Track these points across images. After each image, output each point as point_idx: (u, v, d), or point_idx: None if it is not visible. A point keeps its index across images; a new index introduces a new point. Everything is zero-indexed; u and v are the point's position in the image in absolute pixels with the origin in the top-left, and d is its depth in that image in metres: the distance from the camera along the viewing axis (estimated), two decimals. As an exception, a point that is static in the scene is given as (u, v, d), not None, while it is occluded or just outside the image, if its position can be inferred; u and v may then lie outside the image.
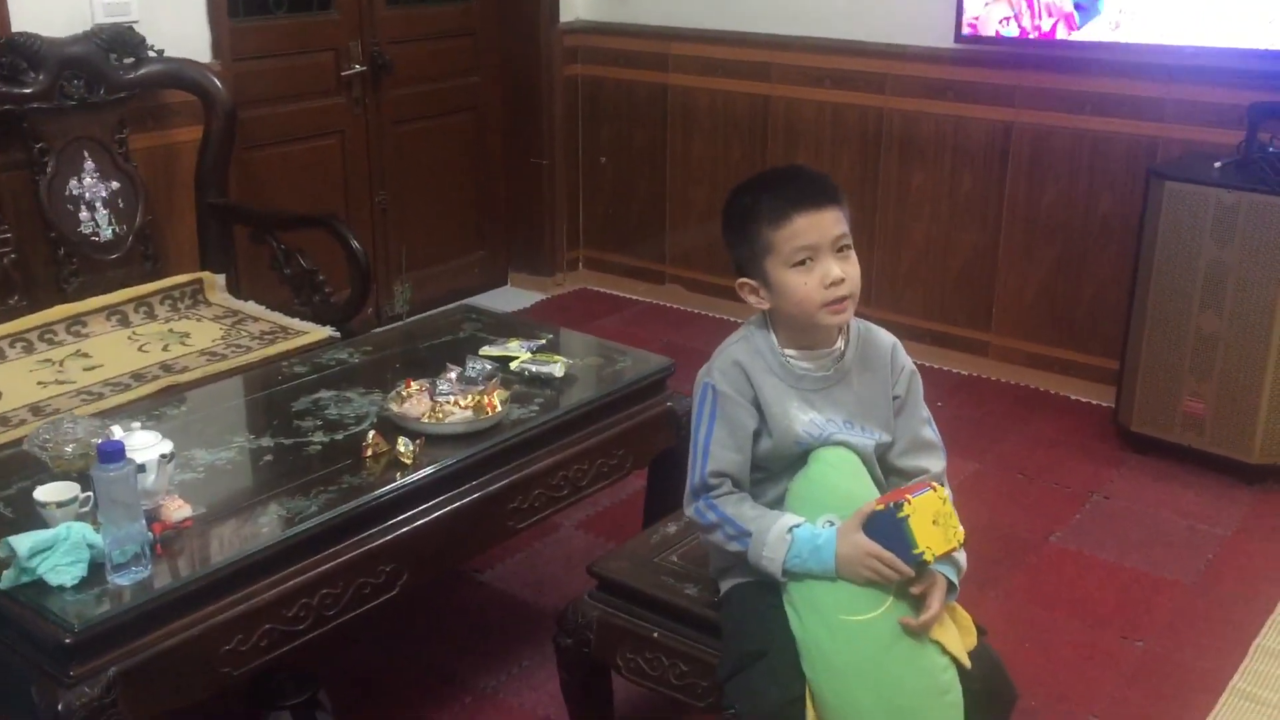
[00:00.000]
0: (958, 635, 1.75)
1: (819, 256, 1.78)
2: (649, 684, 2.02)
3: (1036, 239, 3.91)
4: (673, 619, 1.98)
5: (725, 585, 1.92)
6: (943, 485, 1.83)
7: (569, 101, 4.79)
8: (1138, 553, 3.00)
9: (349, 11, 4.12)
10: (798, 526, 1.77)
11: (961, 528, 1.74)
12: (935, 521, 1.70)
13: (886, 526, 1.70)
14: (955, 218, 4.05)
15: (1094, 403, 3.85)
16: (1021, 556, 2.99)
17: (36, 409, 2.61)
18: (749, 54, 4.34)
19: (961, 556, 1.80)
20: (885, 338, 1.94)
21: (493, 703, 2.43)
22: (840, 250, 1.79)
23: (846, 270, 1.79)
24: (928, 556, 1.69)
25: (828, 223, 1.78)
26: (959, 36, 3.79)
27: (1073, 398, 3.91)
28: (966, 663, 1.73)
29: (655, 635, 1.99)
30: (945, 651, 1.72)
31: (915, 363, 1.97)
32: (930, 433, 1.94)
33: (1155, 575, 2.91)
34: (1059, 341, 3.94)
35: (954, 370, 4.12)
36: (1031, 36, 3.66)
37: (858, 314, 1.89)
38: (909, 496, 1.72)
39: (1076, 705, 2.44)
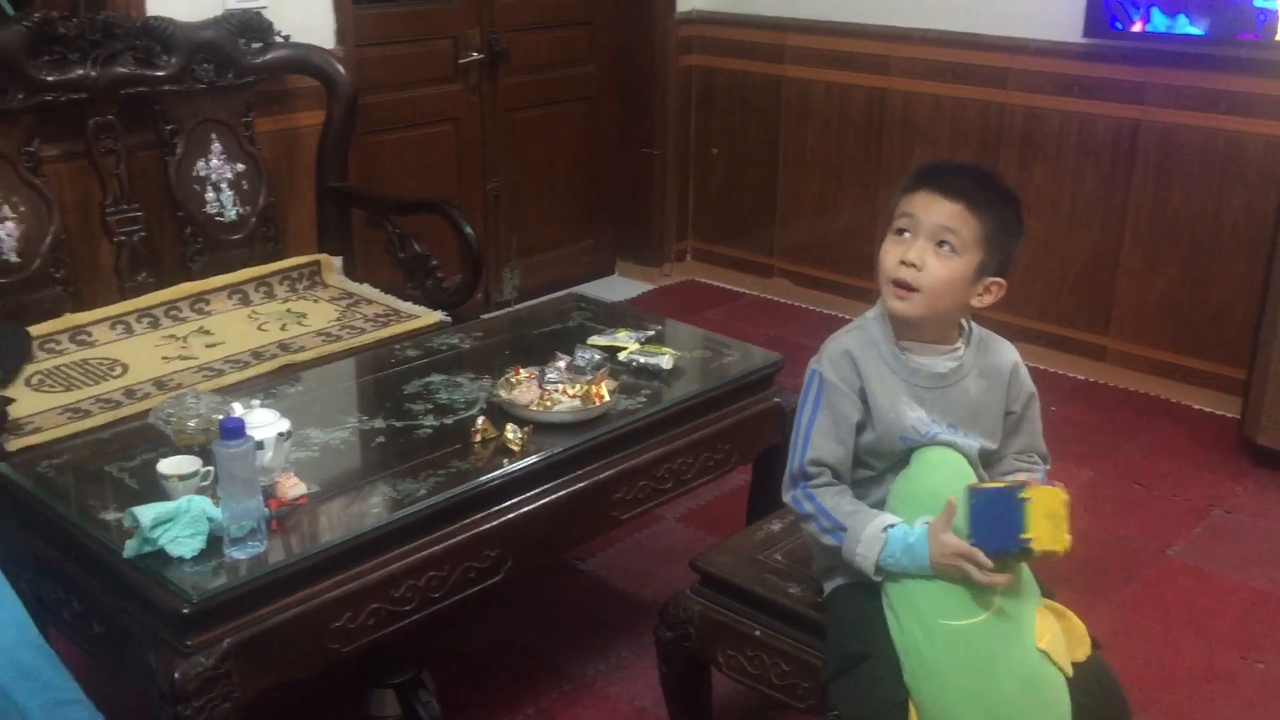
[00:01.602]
0: (1065, 644, 1.70)
1: (915, 235, 1.75)
2: (749, 682, 2.00)
3: (1162, 241, 3.77)
4: (775, 617, 1.96)
5: (829, 586, 1.89)
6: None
7: (683, 92, 4.77)
8: (1260, 570, 2.88)
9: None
10: (893, 526, 1.74)
11: (1070, 538, 1.67)
12: (1049, 517, 1.64)
13: (1001, 505, 1.65)
14: (1076, 217, 3.93)
15: (1218, 413, 3.71)
16: (1136, 570, 2.90)
17: (160, 383, 2.70)
18: (867, 46, 4.27)
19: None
20: (1008, 352, 1.89)
21: (590, 691, 2.44)
22: (941, 244, 1.75)
23: (929, 262, 1.74)
24: (1035, 546, 1.62)
25: (942, 212, 1.74)
26: (1087, 30, 3.67)
27: (1195, 407, 3.77)
28: (1069, 671, 1.68)
29: (757, 633, 1.97)
30: (1052, 661, 1.67)
31: (1031, 365, 1.93)
32: (1042, 446, 1.92)
33: (1279, 594, 2.79)
34: (1182, 348, 3.80)
35: (1069, 375, 4.00)
36: (1164, 31, 3.53)
37: (981, 322, 1.85)
38: (1034, 481, 1.66)
39: (1192, 727, 2.36)
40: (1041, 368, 3.97)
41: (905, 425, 1.79)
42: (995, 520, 1.65)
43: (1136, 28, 3.59)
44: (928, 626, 1.69)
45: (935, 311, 1.78)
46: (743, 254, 4.85)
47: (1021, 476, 1.80)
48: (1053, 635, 1.70)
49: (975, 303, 1.80)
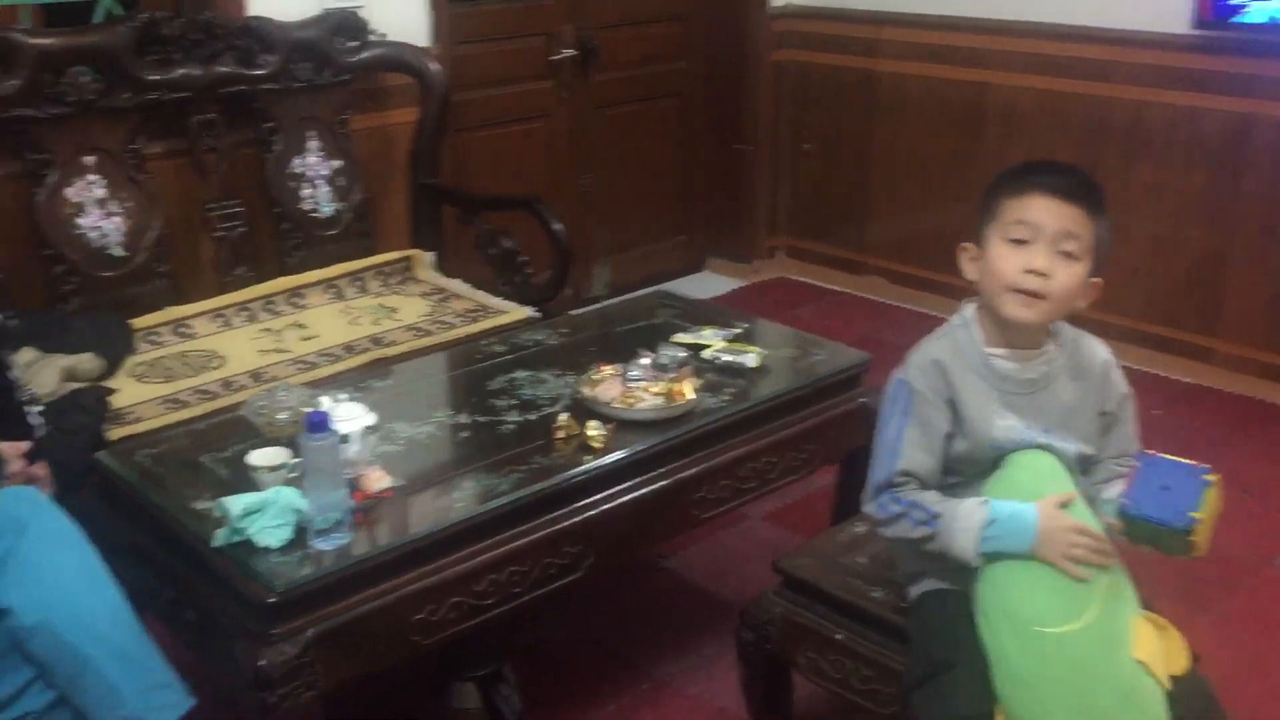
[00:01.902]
0: (1164, 656, 1.64)
1: (1035, 242, 1.71)
2: (830, 686, 1.98)
3: (1275, 240, 3.62)
4: (858, 621, 1.94)
5: (915, 591, 1.86)
6: None
7: (775, 87, 4.73)
8: (1375, 585, 2.76)
9: (562, -3, 4.18)
10: (993, 500, 1.71)
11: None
12: (1210, 518, 1.61)
13: (1178, 476, 1.60)
14: (1183, 215, 3.80)
15: (1332, 419, 3.56)
16: (1240, 580, 2.79)
17: (256, 375, 2.76)
18: (964, 39, 4.18)
19: None
20: (1100, 351, 1.84)
21: (671, 690, 2.43)
22: (1064, 252, 1.71)
23: (1055, 269, 1.70)
24: (1199, 530, 1.58)
25: (1062, 216, 1.71)
26: (1196, 20, 3.55)
27: (1308, 412, 3.62)
28: (1167, 683, 1.62)
29: (839, 637, 1.95)
30: (1150, 673, 1.61)
31: (1134, 367, 1.87)
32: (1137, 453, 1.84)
33: (1394, 611, 2.66)
34: (1295, 352, 3.65)
35: (1175, 377, 3.87)
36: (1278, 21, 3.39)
37: (1079, 321, 1.80)
38: (1220, 475, 1.63)
39: (1297, 747, 2.26)
40: (1145, 370, 3.85)
41: (995, 434, 1.76)
42: (1163, 491, 1.60)
43: (1248, 18, 3.45)
44: (1021, 632, 1.65)
45: (1056, 317, 1.77)
46: (835, 251, 4.79)
47: (1119, 485, 1.73)
48: (1151, 646, 1.65)
49: (1079, 304, 1.76)
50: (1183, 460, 1.65)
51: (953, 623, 1.74)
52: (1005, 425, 1.76)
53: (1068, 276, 1.72)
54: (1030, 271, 1.70)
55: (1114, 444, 1.82)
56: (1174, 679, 1.66)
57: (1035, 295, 1.71)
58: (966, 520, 1.70)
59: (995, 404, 1.77)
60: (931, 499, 1.75)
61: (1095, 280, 1.76)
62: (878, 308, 4.56)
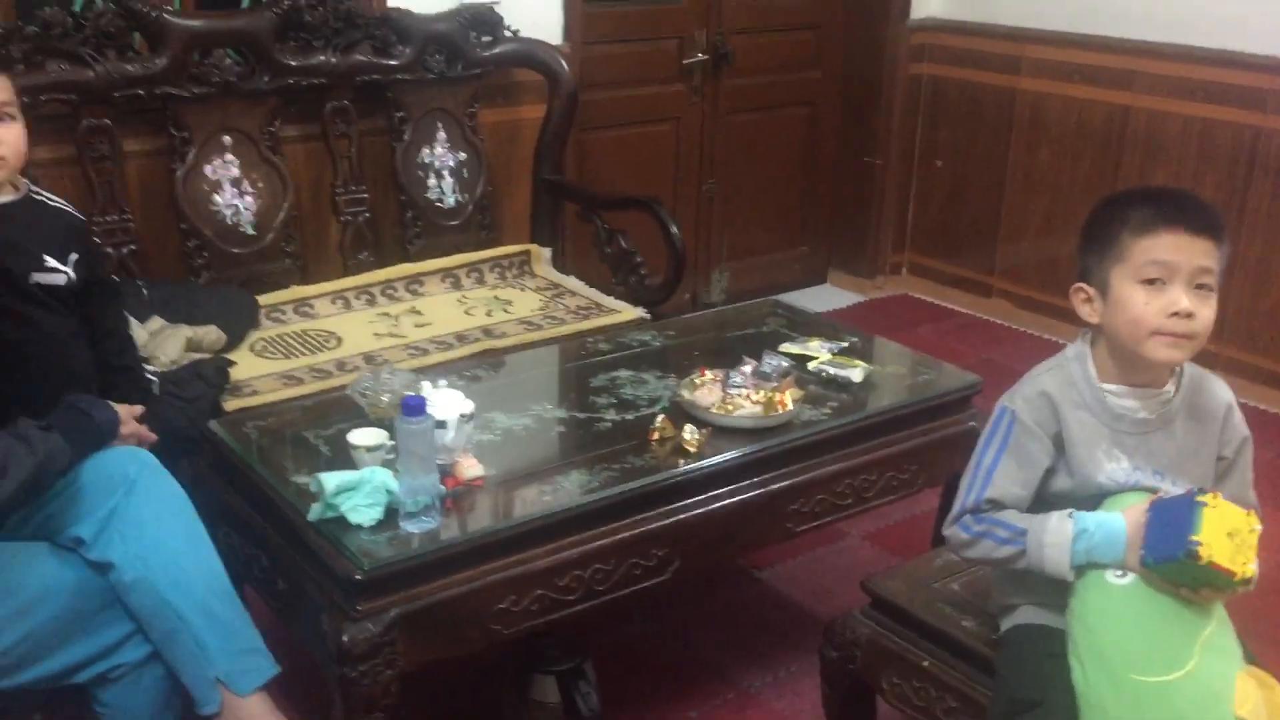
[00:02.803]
0: (1266, 713, 1.55)
1: (1172, 281, 1.62)
2: (913, 713, 1.92)
3: None
4: (946, 649, 1.88)
5: (1006, 624, 1.80)
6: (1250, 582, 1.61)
7: (910, 101, 4.65)
8: None
9: (697, 0, 4.17)
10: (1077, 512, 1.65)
11: (1255, 568, 1.53)
12: (1230, 535, 1.52)
13: (1176, 509, 1.55)
14: (1334, 254, 3.60)
15: None
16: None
17: (369, 357, 2.82)
18: (1111, 60, 4.03)
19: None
20: (1222, 391, 1.75)
21: (755, 703, 2.40)
22: (1199, 286, 1.63)
23: (1198, 308, 1.62)
24: (1203, 551, 1.50)
25: (1196, 251, 1.62)
26: (1362, 50, 3.36)
27: None
28: (1270, 739, 1.53)
29: (925, 664, 1.89)
30: (1248, 727, 1.53)
31: (1268, 410, 1.78)
32: (1253, 498, 1.76)
33: None
34: None
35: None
36: None
37: (1201, 348, 1.72)
38: (1218, 493, 1.56)
39: None
40: (1256, 405, 3.64)
41: (1101, 478, 1.69)
42: (1167, 528, 1.55)
43: None
44: (1116, 679, 1.57)
45: (1197, 352, 1.68)
46: (961, 271, 4.68)
47: None
48: (1254, 703, 1.56)
49: None
50: (1181, 494, 1.58)
51: (1042, 660, 1.68)
52: (1112, 468, 1.70)
53: (1209, 312, 1.64)
54: (1176, 314, 1.62)
55: (1227, 489, 1.73)
56: (1278, 740, 1.57)
57: (1183, 336, 1.63)
58: (1056, 534, 1.64)
59: (1105, 442, 1.70)
60: (1014, 516, 1.70)
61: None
62: (1001, 331, 4.44)
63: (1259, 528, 1.56)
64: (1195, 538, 1.51)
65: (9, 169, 1.98)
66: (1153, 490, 1.67)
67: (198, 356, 2.64)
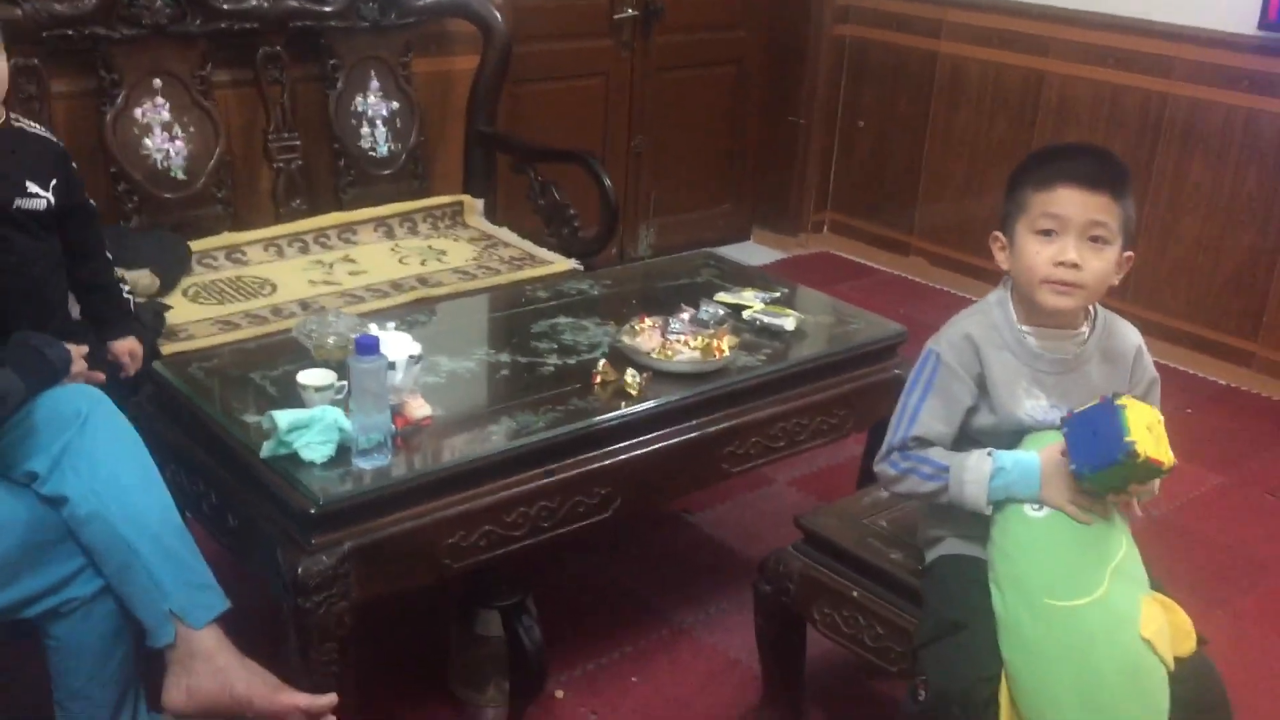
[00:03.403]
0: (1169, 635, 1.68)
1: (1064, 233, 1.73)
2: (842, 641, 2.03)
3: (1323, 248, 3.62)
4: (874, 581, 1.98)
5: (931, 555, 1.90)
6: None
7: (834, 62, 4.74)
8: (1393, 595, 2.77)
9: (628, -44, 4.21)
10: (996, 451, 1.76)
11: (1173, 455, 1.66)
12: (1149, 429, 1.63)
13: (1098, 417, 1.65)
14: (1233, 217, 3.79)
15: (1365, 431, 3.55)
16: (1258, 579, 2.82)
17: (305, 304, 2.84)
18: (1027, 26, 4.17)
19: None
20: (1132, 334, 1.87)
21: (688, 638, 2.49)
22: (1093, 239, 1.74)
23: (1087, 259, 1.73)
24: (1139, 449, 1.61)
25: (1090, 206, 1.72)
26: (1262, 21, 3.53)
27: (1342, 423, 3.62)
28: (1171, 664, 1.66)
29: (855, 594, 1.99)
30: (1155, 652, 1.65)
31: (1171, 365, 1.90)
32: None
33: None
34: (1334, 361, 3.65)
35: (1211, 379, 3.87)
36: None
37: (1109, 305, 1.83)
38: (1126, 394, 1.67)
39: (1298, 742, 2.30)
40: (1183, 369, 3.85)
41: (1021, 414, 1.79)
42: (1093, 437, 1.65)
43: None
44: (1032, 603, 1.68)
45: (1092, 301, 1.80)
46: (881, 230, 4.81)
47: None
48: (1158, 626, 1.68)
49: (1113, 281, 1.79)
50: (1098, 401, 1.69)
51: (966, 586, 1.78)
52: (1033, 403, 1.80)
53: (1099, 263, 1.74)
54: (1062, 264, 1.73)
55: None
56: (1178, 660, 1.69)
57: (1070, 285, 1.74)
58: (975, 471, 1.75)
59: (1025, 381, 1.81)
60: (938, 454, 1.80)
61: (1127, 254, 1.78)
62: (919, 289, 4.58)
63: (1162, 418, 1.68)
64: (1128, 438, 1.61)
65: None
66: None
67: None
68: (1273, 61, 3.60)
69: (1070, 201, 1.73)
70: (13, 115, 2.09)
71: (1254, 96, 3.67)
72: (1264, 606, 2.72)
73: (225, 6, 3.00)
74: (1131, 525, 1.79)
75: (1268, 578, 2.82)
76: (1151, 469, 1.64)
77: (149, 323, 2.48)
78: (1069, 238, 1.73)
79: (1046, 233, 1.75)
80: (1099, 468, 1.65)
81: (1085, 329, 1.83)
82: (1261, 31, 3.56)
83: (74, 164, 2.15)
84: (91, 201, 2.22)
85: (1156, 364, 1.91)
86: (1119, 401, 1.65)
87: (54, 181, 2.06)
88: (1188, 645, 1.72)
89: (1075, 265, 1.72)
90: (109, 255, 2.26)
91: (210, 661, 1.82)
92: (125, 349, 2.19)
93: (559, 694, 2.30)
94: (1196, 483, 3.20)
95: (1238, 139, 3.73)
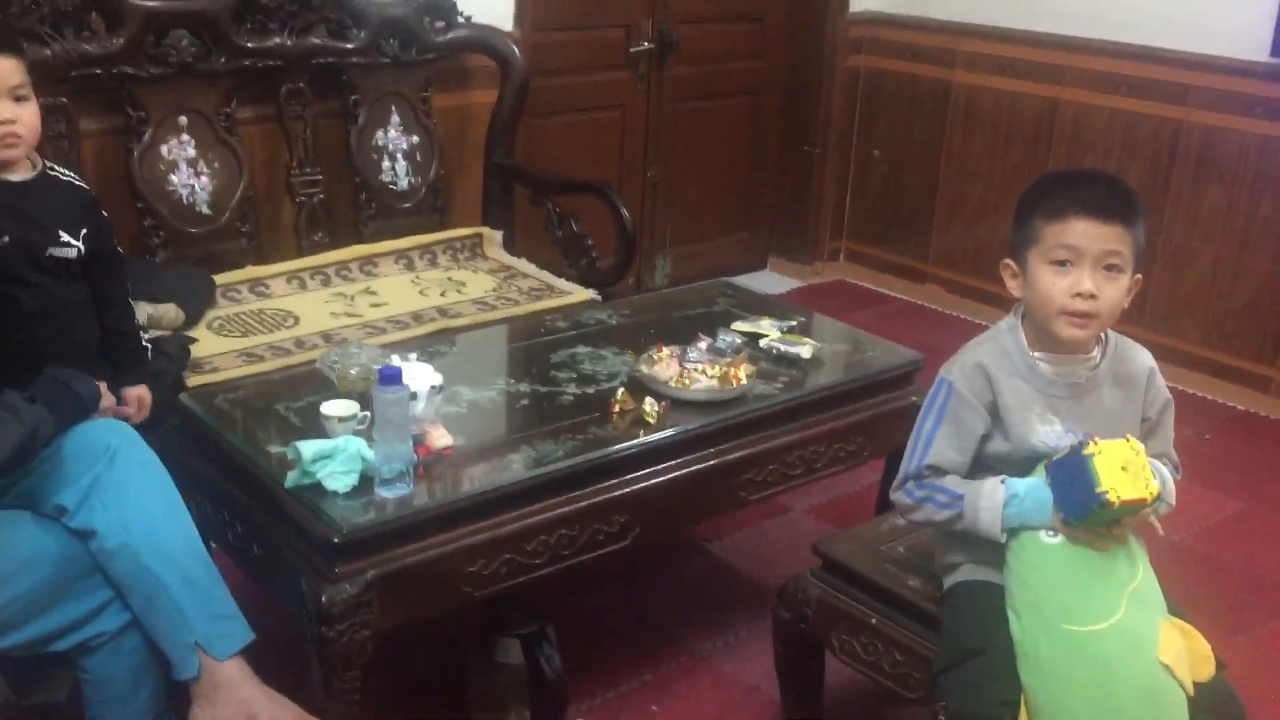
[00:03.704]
0: (1188, 660, 1.68)
1: (1078, 263, 1.75)
2: (861, 668, 2.04)
3: (1340, 273, 3.62)
4: (893, 607, 1.99)
5: (949, 581, 1.91)
6: (1164, 498, 1.77)
7: (848, 92, 4.78)
8: None
9: (644, -10, 4.26)
10: (1009, 479, 1.78)
11: (1156, 482, 1.67)
12: (1124, 468, 1.65)
13: (1070, 467, 1.68)
14: (1249, 243, 3.79)
15: (1386, 456, 3.54)
16: (1278, 604, 2.81)
17: (327, 336, 2.87)
18: (1040, 54, 4.20)
19: (1170, 494, 1.78)
20: (1144, 358, 1.88)
21: (706, 666, 2.50)
22: (1108, 268, 1.75)
23: (1102, 288, 1.75)
24: (1112, 497, 1.63)
25: (1103, 236, 1.74)
26: (1275, 49, 3.55)
27: (1362, 448, 3.61)
28: (1190, 689, 1.66)
29: (874, 621, 2.01)
30: (1174, 677, 1.66)
31: (1188, 391, 1.92)
32: (1174, 455, 1.91)
33: None
34: (1353, 386, 3.64)
35: (1229, 404, 3.86)
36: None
37: (1125, 331, 1.85)
38: (1095, 439, 1.68)
39: (1322, 768, 2.29)
40: (1200, 394, 3.85)
41: (1035, 441, 1.81)
42: (1071, 487, 1.68)
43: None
44: (1050, 629, 1.70)
45: (1105, 328, 1.82)
46: (897, 258, 4.83)
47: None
48: (1177, 651, 1.69)
49: (1125, 305, 1.80)
50: (1069, 450, 1.71)
51: (984, 613, 1.80)
52: (1047, 429, 1.81)
53: (1114, 291, 1.76)
54: (1078, 295, 1.74)
55: (1153, 447, 1.86)
56: (1198, 685, 1.69)
57: (1087, 316, 1.76)
58: (989, 499, 1.77)
59: (1039, 406, 1.82)
60: (953, 482, 1.82)
61: (1136, 277, 1.80)
62: (935, 316, 4.59)
63: (1141, 446, 1.70)
64: (1100, 489, 1.64)
65: (27, 146, 2.03)
66: None
67: (157, 333, 2.67)
68: (1286, 88, 3.62)
69: (1084, 233, 1.74)
70: (48, 164, 2.12)
71: (1268, 123, 3.68)
72: (1286, 632, 2.71)
73: (249, 45, 3.05)
74: (1150, 548, 1.80)
75: (1289, 604, 2.82)
76: (1134, 508, 1.66)
77: (175, 355, 2.52)
78: (1084, 268, 1.74)
79: (1061, 263, 1.76)
80: (1079, 517, 1.68)
81: (1097, 354, 1.84)
82: (1274, 59, 3.58)
83: (104, 212, 2.17)
84: (119, 249, 2.24)
85: (1173, 390, 1.92)
86: (1086, 450, 1.67)
87: (84, 230, 2.08)
88: (1207, 670, 1.72)
89: (1092, 296, 1.74)
90: (131, 301, 2.27)
91: (234, 693, 1.85)
92: (134, 395, 2.18)
93: (579, 722, 2.32)
94: (1215, 508, 3.20)
95: (1252, 165, 3.74)
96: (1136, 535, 1.77)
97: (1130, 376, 1.86)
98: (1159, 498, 1.70)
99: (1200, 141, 3.84)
